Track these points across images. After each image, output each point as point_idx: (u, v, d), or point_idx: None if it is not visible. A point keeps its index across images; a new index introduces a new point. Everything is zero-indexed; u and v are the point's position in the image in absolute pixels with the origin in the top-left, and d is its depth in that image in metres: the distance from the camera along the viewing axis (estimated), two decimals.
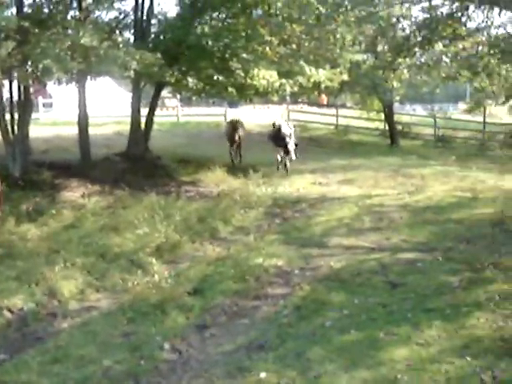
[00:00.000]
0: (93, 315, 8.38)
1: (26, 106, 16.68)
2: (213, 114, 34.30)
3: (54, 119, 31.25)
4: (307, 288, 9.08)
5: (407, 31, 18.55)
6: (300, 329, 7.66)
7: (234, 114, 33.85)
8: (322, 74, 17.54)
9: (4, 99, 17.03)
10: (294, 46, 17.91)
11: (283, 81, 16.71)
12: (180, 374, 6.61)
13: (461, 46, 18.40)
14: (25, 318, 8.22)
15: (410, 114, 39.29)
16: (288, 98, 30.78)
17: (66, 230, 12.28)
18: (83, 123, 17.78)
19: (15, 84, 16.38)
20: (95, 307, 8.67)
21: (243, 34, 16.47)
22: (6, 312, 8.29)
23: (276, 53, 17.44)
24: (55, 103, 37.64)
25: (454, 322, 7.64)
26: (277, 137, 18.72)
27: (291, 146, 18.37)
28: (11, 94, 16.71)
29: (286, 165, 18.60)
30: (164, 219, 12.42)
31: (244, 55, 16.07)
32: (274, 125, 19.54)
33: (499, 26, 18.81)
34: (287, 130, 18.92)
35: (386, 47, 23.08)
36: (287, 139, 18.39)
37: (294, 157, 18.35)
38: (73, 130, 18.74)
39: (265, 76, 16.20)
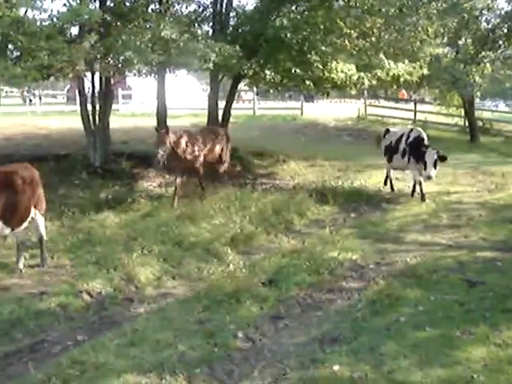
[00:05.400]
0: (169, 302, 8.52)
1: (107, 98, 17.12)
2: (289, 108, 34.34)
3: (132, 110, 31.89)
4: (382, 283, 8.97)
5: (492, 23, 18.04)
6: (374, 323, 7.59)
7: (310, 107, 33.93)
8: (401, 68, 17.21)
9: (86, 90, 17.54)
10: (373, 39, 17.62)
11: (361, 74, 16.48)
12: (253, 363, 6.63)
13: None
14: (103, 302, 8.43)
15: (492, 109, 38.07)
16: (366, 92, 30.42)
17: (143, 218, 12.58)
18: (162, 115, 18.11)
19: (97, 75, 16.83)
20: (171, 294, 8.82)
21: (322, 26, 16.30)
22: (85, 295, 8.52)
23: (355, 46, 17.23)
24: (134, 95, 38.46)
25: None
26: (417, 149, 14.28)
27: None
28: (93, 86, 17.15)
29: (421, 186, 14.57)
30: (239, 210, 12.58)
31: (322, 48, 15.93)
32: (387, 131, 15.93)
33: None
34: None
35: (468, 40, 22.44)
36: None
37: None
38: (151, 122, 19.06)
39: (343, 69, 16.03)
